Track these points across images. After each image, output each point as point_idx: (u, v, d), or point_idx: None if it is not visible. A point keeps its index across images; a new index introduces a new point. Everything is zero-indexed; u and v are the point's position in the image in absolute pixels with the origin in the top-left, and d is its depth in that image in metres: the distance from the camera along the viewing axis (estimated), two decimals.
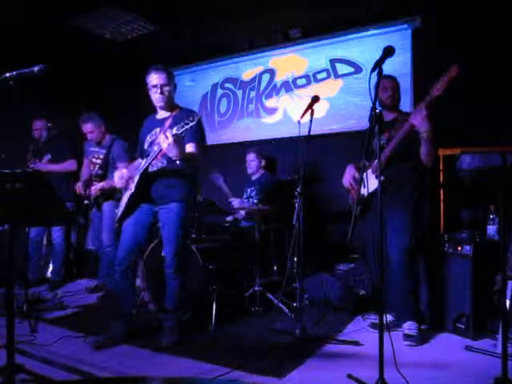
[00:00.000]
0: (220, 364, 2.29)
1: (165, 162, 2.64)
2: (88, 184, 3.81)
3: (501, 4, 3.45)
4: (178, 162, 2.46)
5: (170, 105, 2.73)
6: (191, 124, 2.33)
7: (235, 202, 3.92)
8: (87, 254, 4.79)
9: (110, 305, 2.74)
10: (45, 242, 4.50)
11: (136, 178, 2.62)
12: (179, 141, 2.39)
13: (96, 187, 3.76)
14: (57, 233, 4.30)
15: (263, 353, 2.48)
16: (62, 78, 4.43)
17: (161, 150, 2.43)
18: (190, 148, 2.59)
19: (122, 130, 4.00)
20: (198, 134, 2.63)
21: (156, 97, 2.68)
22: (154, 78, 2.65)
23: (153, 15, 4.31)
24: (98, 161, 3.80)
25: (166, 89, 2.66)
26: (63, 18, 4.22)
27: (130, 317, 2.74)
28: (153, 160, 2.56)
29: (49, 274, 4.45)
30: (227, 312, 3.05)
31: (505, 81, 3.41)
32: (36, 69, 2.14)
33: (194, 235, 3.34)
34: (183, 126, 2.32)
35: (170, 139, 2.30)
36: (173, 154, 2.39)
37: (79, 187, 3.86)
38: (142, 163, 2.66)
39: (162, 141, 2.33)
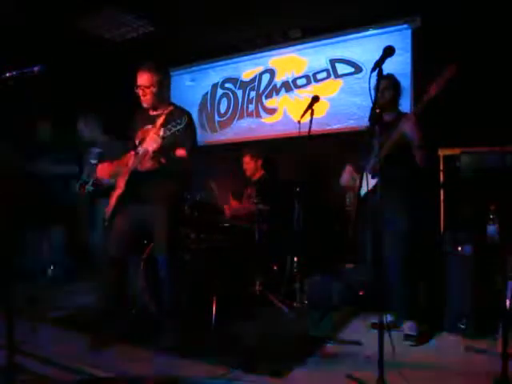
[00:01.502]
0: (220, 364, 2.29)
1: (154, 162, 2.61)
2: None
3: (500, 4, 3.45)
4: (164, 164, 2.46)
5: (159, 104, 2.67)
6: (177, 128, 2.32)
7: None
8: (87, 253, 4.78)
9: (110, 305, 2.73)
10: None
11: (125, 177, 2.60)
12: (166, 143, 2.38)
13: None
14: (56, 233, 4.29)
15: (263, 353, 2.48)
16: (61, 77, 4.42)
17: (149, 150, 2.43)
18: (180, 152, 2.57)
19: (122, 129, 3.99)
20: (189, 137, 2.59)
21: (140, 97, 2.65)
22: (138, 78, 2.62)
23: (153, 15, 4.31)
24: (95, 161, 3.87)
25: (148, 90, 2.60)
26: (64, 18, 4.23)
27: (129, 317, 2.74)
28: (141, 159, 2.53)
29: (49, 273, 4.44)
30: (227, 312, 3.05)
31: (505, 81, 3.41)
32: (36, 69, 2.14)
33: (193, 235, 3.34)
34: (170, 129, 2.32)
35: (159, 141, 2.32)
36: (159, 155, 2.40)
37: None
38: (130, 161, 2.63)
39: (152, 141, 2.34)
